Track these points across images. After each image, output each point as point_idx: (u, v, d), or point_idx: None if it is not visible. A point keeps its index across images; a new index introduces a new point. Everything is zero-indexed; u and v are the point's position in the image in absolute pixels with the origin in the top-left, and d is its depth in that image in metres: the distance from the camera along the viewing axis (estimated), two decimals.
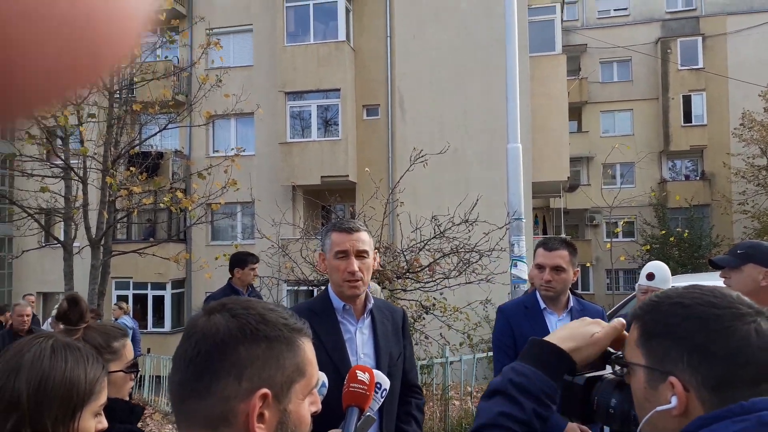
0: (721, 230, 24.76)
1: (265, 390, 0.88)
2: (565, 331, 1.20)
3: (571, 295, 2.99)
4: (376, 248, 2.48)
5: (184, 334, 0.94)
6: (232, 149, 9.43)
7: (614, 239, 20.90)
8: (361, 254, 2.22)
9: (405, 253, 7.12)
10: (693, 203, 24.37)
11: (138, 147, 9.45)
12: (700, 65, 26.47)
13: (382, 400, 1.85)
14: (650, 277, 3.47)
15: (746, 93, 24.38)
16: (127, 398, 1.84)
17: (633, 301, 6.05)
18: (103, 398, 1.35)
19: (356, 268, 2.19)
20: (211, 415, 0.88)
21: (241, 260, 5.24)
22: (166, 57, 16.47)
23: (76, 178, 8.63)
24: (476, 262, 6.99)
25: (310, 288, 7.67)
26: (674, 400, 0.98)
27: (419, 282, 7.08)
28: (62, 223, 8.77)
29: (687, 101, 26.78)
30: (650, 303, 1.07)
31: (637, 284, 4.06)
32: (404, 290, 7.18)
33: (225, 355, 0.88)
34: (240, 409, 0.87)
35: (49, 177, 8.58)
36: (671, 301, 1.03)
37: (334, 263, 2.23)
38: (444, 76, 16.67)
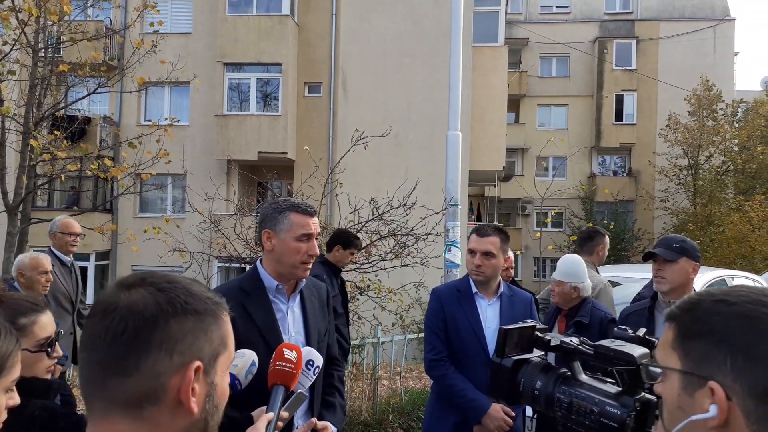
0: (642, 225, 26.13)
1: (198, 363, 0.88)
2: None
3: (502, 281, 3.07)
4: None
5: (101, 311, 0.88)
6: (166, 119, 9.03)
7: (543, 229, 21.63)
8: (316, 237, 2.31)
9: None
10: (619, 198, 25.56)
11: (63, 110, 8.93)
12: (633, 66, 27.60)
13: (314, 377, 1.84)
14: (554, 269, 3.61)
15: (673, 96, 25.65)
16: (47, 376, 1.73)
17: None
18: (15, 373, 1.27)
19: (318, 252, 2.27)
20: (136, 393, 0.85)
21: (345, 240, 4.79)
22: (98, 17, 15.61)
23: None
24: (412, 245, 7.06)
25: (243, 265, 7.53)
26: (713, 409, 0.85)
27: (355, 263, 7.08)
28: None
29: (619, 100, 27.92)
30: (689, 301, 0.95)
31: None
32: None
33: (155, 330, 0.86)
34: (172, 383, 0.86)
35: None
36: (713, 298, 0.92)
37: (293, 245, 2.19)
38: (388, 59, 16.62)
